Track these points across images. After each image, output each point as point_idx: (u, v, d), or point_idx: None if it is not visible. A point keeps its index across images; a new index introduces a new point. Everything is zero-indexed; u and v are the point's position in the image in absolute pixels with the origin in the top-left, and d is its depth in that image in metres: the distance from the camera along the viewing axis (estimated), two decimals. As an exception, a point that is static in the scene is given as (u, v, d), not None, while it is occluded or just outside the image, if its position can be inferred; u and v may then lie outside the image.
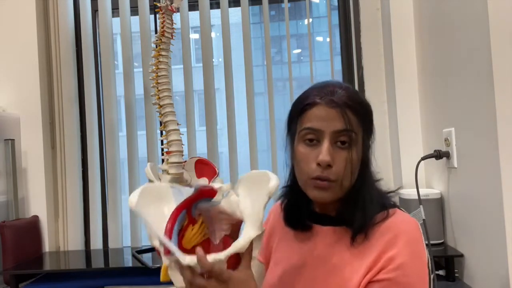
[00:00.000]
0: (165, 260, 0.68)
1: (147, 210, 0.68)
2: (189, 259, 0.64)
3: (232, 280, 0.65)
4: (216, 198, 0.73)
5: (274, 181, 0.70)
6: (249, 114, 1.94)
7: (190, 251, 0.69)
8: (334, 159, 0.76)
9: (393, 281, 0.72)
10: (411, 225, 0.77)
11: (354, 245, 0.78)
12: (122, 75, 1.98)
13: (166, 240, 0.65)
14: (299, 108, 0.80)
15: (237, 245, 0.66)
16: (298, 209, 0.85)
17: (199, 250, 0.64)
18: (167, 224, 0.67)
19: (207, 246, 0.74)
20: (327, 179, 0.76)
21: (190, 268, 0.65)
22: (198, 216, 0.74)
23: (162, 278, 0.76)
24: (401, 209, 0.83)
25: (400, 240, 0.74)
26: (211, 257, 0.64)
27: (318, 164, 0.76)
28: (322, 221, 0.84)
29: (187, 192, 0.74)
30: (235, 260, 0.68)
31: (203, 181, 1.53)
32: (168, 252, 0.65)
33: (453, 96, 1.37)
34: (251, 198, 0.71)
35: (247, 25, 1.96)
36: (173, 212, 0.69)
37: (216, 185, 0.74)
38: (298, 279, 0.82)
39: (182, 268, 0.66)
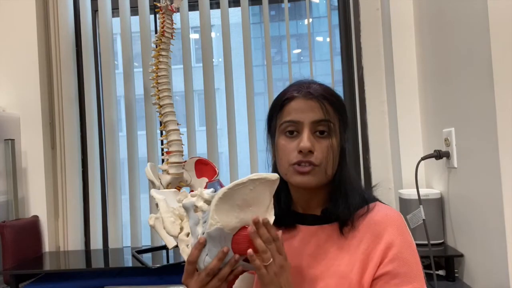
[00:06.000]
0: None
1: None
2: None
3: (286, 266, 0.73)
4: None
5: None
6: (249, 114, 1.94)
7: None
8: (315, 146, 0.78)
9: (393, 272, 0.74)
10: (397, 216, 0.80)
11: (343, 238, 0.79)
12: (122, 75, 1.98)
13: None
14: (278, 105, 0.83)
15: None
16: (280, 207, 0.85)
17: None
18: None
19: None
20: (310, 162, 0.77)
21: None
22: None
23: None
24: (382, 202, 0.84)
25: (389, 232, 0.76)
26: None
27: (300, 152, 0.78)
28: (308, 221, 0.84)
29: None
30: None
31: (203, 181, 1.54)
32: None
33: (453, 96, 1.37)
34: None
35: (247, 25, 1.96)
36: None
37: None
38: (295, 280, 0.82)
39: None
